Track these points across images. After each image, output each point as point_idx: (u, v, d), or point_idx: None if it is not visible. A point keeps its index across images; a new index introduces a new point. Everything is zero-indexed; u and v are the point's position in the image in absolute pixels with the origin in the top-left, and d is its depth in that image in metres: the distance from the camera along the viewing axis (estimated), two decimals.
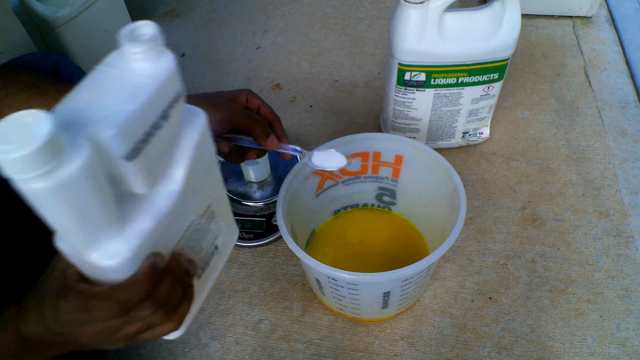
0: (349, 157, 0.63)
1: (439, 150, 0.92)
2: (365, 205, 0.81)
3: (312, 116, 1.00)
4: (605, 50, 1.08)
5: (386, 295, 0.61)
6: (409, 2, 0.70)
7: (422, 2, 0.69)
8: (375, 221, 0.80)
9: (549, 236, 0.79)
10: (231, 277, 0.78)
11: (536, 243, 0.79)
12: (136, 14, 1.21)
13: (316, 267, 0.55)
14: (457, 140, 0.90)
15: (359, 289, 0.60)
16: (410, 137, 0.88)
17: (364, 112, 1.00)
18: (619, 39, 1.11)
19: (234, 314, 0.74)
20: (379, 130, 0.95)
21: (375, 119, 0.98)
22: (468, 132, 0.88)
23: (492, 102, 0.83)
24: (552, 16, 1.16)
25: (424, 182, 0.71)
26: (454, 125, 0.86)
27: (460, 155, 0.91)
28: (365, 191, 0.78)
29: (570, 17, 1.16)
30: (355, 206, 0.81)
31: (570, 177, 0.87)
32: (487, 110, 0.85)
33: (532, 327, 0.70)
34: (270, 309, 0.74)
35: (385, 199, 0.79)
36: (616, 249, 0.77)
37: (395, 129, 0.88)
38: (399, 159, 0.72)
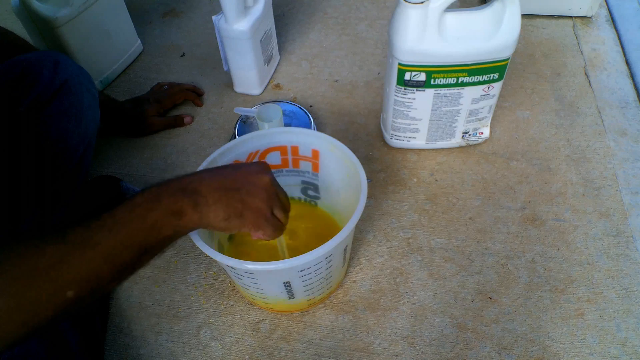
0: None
1: (439, 150, 0.92)
2: (292, 199, 0.80)
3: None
4: (605, 50, 1.08)
5: (287, 285, 0.62)
6: (409, 2, 0.70)
7: (422, 2, 0.69)
8: (299, 216, 0.79)
9: (549, 236, 0.79)
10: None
11: (536, 243, 0.79)
12: (136, 14, 1.21)
13: (213, 257, 0.56)
14: (457, 140, 0.90)
15: (258, 277, 0.60)
16: (410, 137, 0.89)
17: (364, 112, 1.00)
18: (619, 39, 1.11)
19: (234, 314, 0.74)
20: (379, 130, 0.95)
21: (375, 119, 0.98)
22: (468, 132, 0.88)
23: (492, 102, 0.83)
24: (552, 16, 1.16)
25: (339, 177, 0.71)
26: (454, 125, 0.86)
27: (460, 155, 0.91)
28: (290, 185, 0.78)
29: (570, 17, 1.16)
30: None
31: (570, 177, 0.87)
32: (487, 110, 0.85)
33: (532, 327, 0.70)
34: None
35: (310, 193, 0.79)
36: (616, 249, 0.77)
37: (395, 129, 0.88)
38: (315, 154, 0.72)
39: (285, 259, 0.61)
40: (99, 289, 0.43)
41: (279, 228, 0.55)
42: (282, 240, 0.69)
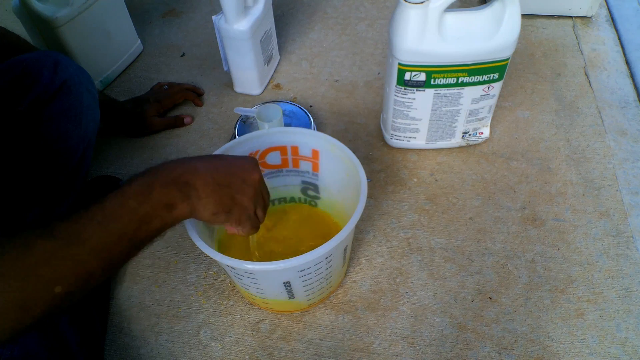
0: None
1: (439, 150, 0.92)
2: (292, 199, 0.81)
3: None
4: (605, 50, 1.08)
5: (287, 285, 0.62)
6: (409, 2, 0.70)
7: (422, 2, 0.69)
8: (299, 216, 0.80)
9: (549, 236, 0.79)
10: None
11: (536, 243, 0.79)
12: (136, 14, 1.21)
13: (213, 257, 0.56)
14: (457, 140, 0.90)
15: (257, 277, 0.60)
16: (410, 137, 0.89)
17: (364, 112, 1.00)
18: (619, 39, 1.11)
19: (234, 314, 0.74)
20: (379, 130, 0.95)
21: (375, 119, 0.98)
22: (468, 132, 0.88)
23: (492, 102, 0.84)
24: (552, 16, 1.16)
25: (339, 177, 0.71)
26: (454, 125, 0.86)
27: (460, 155, 0.91)
28: (290, 185, 0.78)
29: (570, 17, 1.16)
30: (282, 200, 0.81)
31: (570, 177, 0.87)
32: (487, 110, 0.85)
33: (532, 327, 0.70)
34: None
35: (310, 193, 0.79)
36: (616, 249, 0.77)
37: (395, 129, 0.88)
38: (315, 153, 0.72)
39: (254, 255, 0.62)
40: (88, 283, 0.42)
41: (256, 226, 0.56)
42: (254, 237, 0.70)
